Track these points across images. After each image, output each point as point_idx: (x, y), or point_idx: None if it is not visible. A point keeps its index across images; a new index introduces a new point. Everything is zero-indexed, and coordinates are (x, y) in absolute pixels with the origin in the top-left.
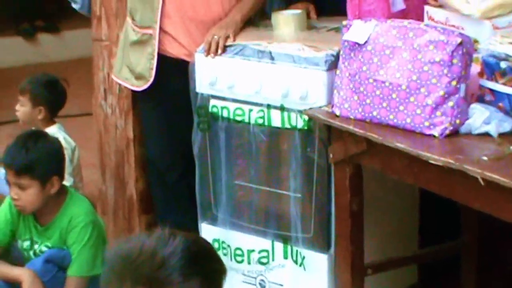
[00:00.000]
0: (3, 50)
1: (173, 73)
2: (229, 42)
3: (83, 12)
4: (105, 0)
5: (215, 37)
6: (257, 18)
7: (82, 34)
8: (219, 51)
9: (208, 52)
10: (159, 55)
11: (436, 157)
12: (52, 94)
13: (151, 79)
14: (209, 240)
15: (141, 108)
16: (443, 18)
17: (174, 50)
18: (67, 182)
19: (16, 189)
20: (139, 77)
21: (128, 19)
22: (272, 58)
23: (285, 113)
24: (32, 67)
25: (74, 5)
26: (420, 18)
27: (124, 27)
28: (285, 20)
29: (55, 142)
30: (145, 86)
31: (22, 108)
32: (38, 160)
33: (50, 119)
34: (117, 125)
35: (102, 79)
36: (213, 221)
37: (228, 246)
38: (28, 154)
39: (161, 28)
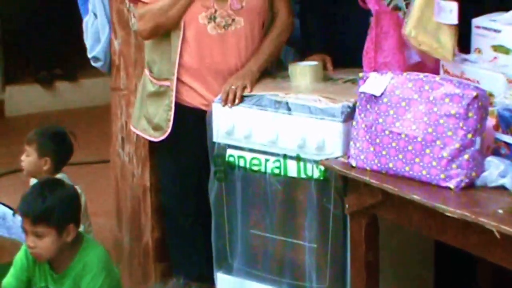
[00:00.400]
0: (21, 97)
1: (191, 122)
2: (246, 93)
3: (104, 70)
4: (124, 50)
5: (233, 87)
6: (274, 69)
7: (99, 83)
8: (236, 101)
9: (225, 102)
10: (176, 104)
11: (452, 210)
12: (58, 146)
13: (169, 130)
14: None
15: (158, 157)
16: (458, 72)
17: (191, 100)
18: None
19: (33, 237)
20: (156, 128)
21: (146, 71)
22: (289, 109)
23: (301, 163)
24: (49, 115)
25: (95, 64)
26: (435, 71)
27: (142, 78)
28: (302, 72)
29: (71, 190)
30: (163, 137)
31: (28, 158)
32: (55, 208)
33: (55, 171)
34: (134, 173)
35: (119, 127)
36: (229, 270)
37: None
38: (44, 202)
39: (178, 79)
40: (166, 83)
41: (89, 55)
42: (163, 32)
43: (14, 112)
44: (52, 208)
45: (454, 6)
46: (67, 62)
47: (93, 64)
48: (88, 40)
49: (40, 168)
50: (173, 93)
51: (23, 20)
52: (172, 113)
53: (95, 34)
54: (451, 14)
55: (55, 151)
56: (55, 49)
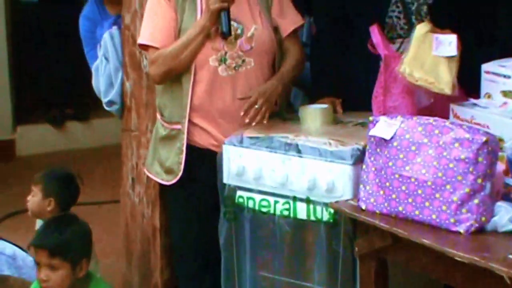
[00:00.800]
0: (32, 137)
1: (201, 163)
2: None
3: (118, 114)
4: (135, 91)
5: (256, 106)
6: (284, 111)
7: (110, 123)
8: (263, 120)
9: (246, 115)
10: (188, 146)
11: (461, 254)
12: (64, 188)
13: (180, 173)
14: None
15: (169, 200)
16: (468, 116)
17: (203, 141)
18: None
19: (47, 270)
20: (168, 171)
21: (158, 115)
22: (299, 151)
23: (311, 206)
24: (60, 154)
25: (110, 108)
26: (445, 115)
27: (156, 123)
28: (312, 114)
29: (86, 225)
30: (174, 181)
31: (33, 199)
32: (71, 242)
33: (60, 212)
34: (144, 214)
35: (130, 168)
36: None
37: None
38: (61, 236)
39: (189, 120)
40: (177, 126)
41: (104, 100)
42: (175, 75)
43: (25, 152)
44: (69, 241)
45: (453, 38)
46: (78, 102)
47: (107, 108)
48: (101, 85)
49: (44, 208)
50: (185, 136)
51: (34, 60)
52: (183, 156)
53: (108, 79)
54: (450, 46)
55: (60, 193)
56: (66, 89)
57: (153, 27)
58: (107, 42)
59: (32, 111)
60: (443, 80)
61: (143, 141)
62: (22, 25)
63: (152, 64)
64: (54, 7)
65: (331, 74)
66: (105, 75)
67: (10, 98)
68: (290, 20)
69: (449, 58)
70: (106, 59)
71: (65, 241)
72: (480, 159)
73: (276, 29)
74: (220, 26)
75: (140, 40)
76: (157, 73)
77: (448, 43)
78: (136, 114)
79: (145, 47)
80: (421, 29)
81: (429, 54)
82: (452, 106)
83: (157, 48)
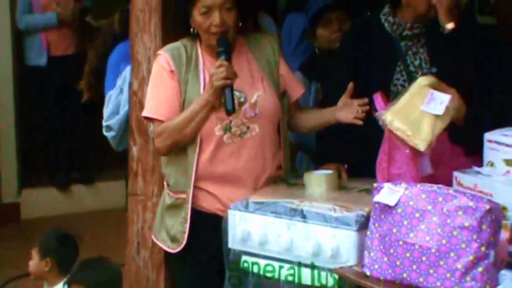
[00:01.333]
0: (37, 201)
1: (207, 228)
2: (256, 199)
3: (112, 144)
4: (142, 156)
5: None
6: (289, 177)
7: (115, 186)
8: None
9: None
10: (193, 211)
11: None
12: (61, 248)
13: (184, 242)
14: None
15: (174, 265)
16: (471, 184)
17: (209, 205)
18: None
19: None
20: (173, 239)
21: (165, 184)
22: (303, 217)
23: (315, 271)
24: (65, 218)
25: (107, 133)
26: (449, 183)
27: (163, 190)
28: (317, 180)
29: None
30: (179, 249)
31: (32, 261)
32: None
33: (60, 273)
34: (149, 278)
35: (135, 232)
36: None
37: None
38: (103, 272)
39: (195, 186)
40: (183, 195)
41: (104, 123)
42: (181, 147)
43: (30, 215)
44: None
45: (447, 98)
46: (83, 165)
47: (104, 133)
48: (107, 110)
49: (42, 269)
50: (189, 206)
51: (40, 123)
52: (187, 225)
53: (115, 107)
54: (440, 105)
55: (57, 253)
56: (71, 152)
57: (158, 100)
58: (127, 75)
59: (37, 174)
60: (421, 136)
61: (149, 206)
62: (29, 88)
63: (158, 137)
64: (61, 71)
65: (337, 139)
66: (114, 102)
67: (16, 162)
68: (297, 86)
69: (436, 116)
70: (121, 90)
71: (108, 276)
72: (483, 227)
73: (284, 93)
74: (224, 102)
75: (145, 113)
76: (163, 146)
77: (440, 102)
78: (142, 178)
79: (150, 119)
80: (422, 81)
81: (417, 107)
82: (455, 174)
83: (162, 121)
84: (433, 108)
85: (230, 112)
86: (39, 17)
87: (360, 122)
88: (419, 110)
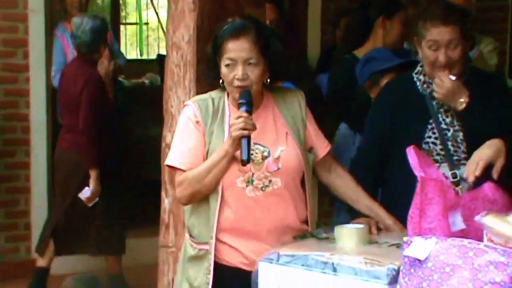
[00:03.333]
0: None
1: (231, 283)
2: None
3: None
4: (174, 208)
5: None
6: (320, 231)
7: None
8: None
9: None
10: (216, 265)
11: None
12: None
13: None
14: None
15: None
16: (502, 240)
17: (232, 259)
18: None
19: None
20: None
21: (186, 235)
22: (334, 270)
23: None
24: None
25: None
26: (479, 239)
27: (184, 242)
28: (348, 234)
29: None
30: None
31: None
32: None
33: None
34: None
35: (166, 284)
36: None
37: None
38: None
39: (217, 239)
40: (206, 246)
41: None
42: (201, 197)
43: (60, 271)
44: None
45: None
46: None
47: None
48: None
49: None
50: (212, 257)
51: None
52: (211, 276)
53: None
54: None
55: None
56: None
57: (182, 149)
58: None
59: None
60: None
61: (179, 257)
62: None
63: (178, 186)
64: None
65: (372, 191)
66: None
67: (47, 216)
68: (324, 144)
69: None
70: None
71: None
72: None
73: (310, 150)
74: (240, 153)
75: (168, 162)
76: (183, 195)
77: None
78: (174, 230)
79: (173, 168)
80: None
81: None
82: (485, 230)
83: (184, 170)
84: None
85: (245, 162)
86: None
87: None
88: None
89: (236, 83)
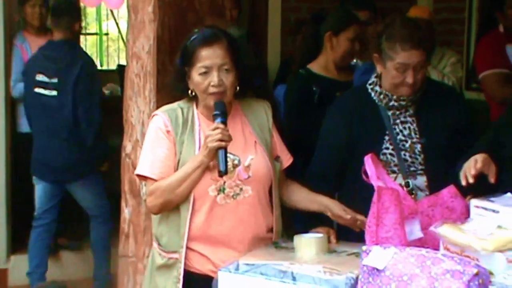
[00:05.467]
0: (25, 267)
1: None
2: (246, 261)
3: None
4: (134, 218)
5: None
6: (280, 240)
7: None
8: None
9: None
10: (186, 273)
11: None
12: None
13: None
14: None
15: None
16: (458, 249)
17: (201, 267)
18: None
19: None
20: None
21: (154, 244)
22: (294, 279)
23: None
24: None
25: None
26: (436, 247)
27: (151, 252)
28: (307, 243)
29: None
30: None
31: None
32: None
33: None
34: None
35: None
36: None
37: None
38: None
39: (188, 247)
40: (175, 255)
41: None
42: (172, 207)
43: (18, 282)
44: None
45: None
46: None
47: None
48: None
49: None
50: (182, 265)
51: (29, 191)
52: (180, 285)
53: None
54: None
55: None
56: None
57: (152, 159)
58: None
59: (26, 240)
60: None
61: (140, 267)
62: (20, 154)
63: (150, 195)
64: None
65: None
66: None
67: (5, 227)
68: (287, 155)
69: None
70: None
71: None
72: None
73: (277, 158)
74: (217, 163)
75: (138, 171)
76: (155, 205)
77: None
78: (134, 240)
79: (143, 177)
80: None
81: None
82: (442, 239)
83: (155, 180)
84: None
85: (223, 173)
86: None
87: (357, 230)
88: None
89: (212, 89)
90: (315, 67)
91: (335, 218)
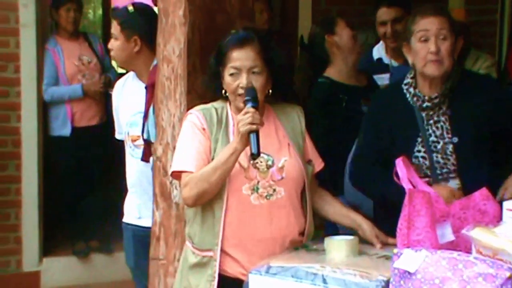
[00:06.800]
0: (57, 269)
1: None
2: (277, 264)
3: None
4: (165, 221)
5: None
6: (311, 242)
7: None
8: None
9: None
10: (217, 275)
11: None
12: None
13: None
14: None
15: None
16: (490, 252)
17: (232, 270)
18: None
19: None
20: None
21: (187, 243)
22: (324, 281)
23: None
24: (84, 287)
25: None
26: (468, 250)
27: (183, 252)
28: (338, 246)
29: None
30: None
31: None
32: None
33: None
34: None
35: None
36: None
37: None
38: None
39: (221, 249)
40: (209, 253)
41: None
42: (207, 198)
43: (50, 284)
44: None
45: None
46: (103, 234)
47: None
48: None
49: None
50: (217, 263)
51: (61, 193)
52: (215, 283)
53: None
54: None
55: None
56: (91, 221)
57: (186, 154)
58: None
59: (58, 243)
60: None
61: (171, 270)
62: (52, 157)
63: (184, 187)
64: (85, 141)
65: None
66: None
67: (38, 230)
68: (319, 160)
69: None
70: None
71: None
72: None
73: (309, 162)
74: (250, 147)
75: (174, 167)
76: (190, 196)
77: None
78: (164, 242)
79: (178, 174)
80: None
81: None
82: (474, 242)
83: (190, 172)
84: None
85: (255, 155)
86: (64, 88)
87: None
88: None
89: (240, 91)
90: (335, 74)
91: (366, 235)
